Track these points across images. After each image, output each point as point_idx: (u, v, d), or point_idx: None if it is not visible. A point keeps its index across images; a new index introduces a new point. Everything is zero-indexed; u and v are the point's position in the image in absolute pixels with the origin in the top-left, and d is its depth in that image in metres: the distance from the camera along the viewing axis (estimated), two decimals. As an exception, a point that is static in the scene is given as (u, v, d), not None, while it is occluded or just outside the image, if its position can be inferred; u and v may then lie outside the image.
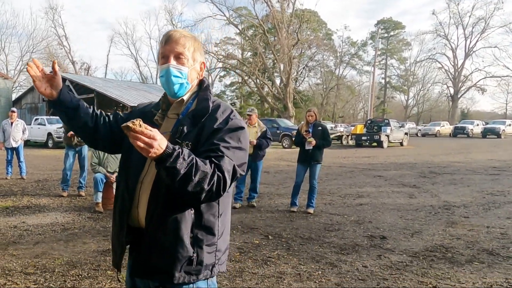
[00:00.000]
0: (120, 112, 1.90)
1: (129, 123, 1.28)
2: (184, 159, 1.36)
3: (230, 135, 1.55)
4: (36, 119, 22.81)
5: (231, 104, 36.90)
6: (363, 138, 25.39)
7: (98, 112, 1.74)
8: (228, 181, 1.47)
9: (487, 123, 43.43)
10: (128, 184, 1.62)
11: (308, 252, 4.53)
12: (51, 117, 26.36)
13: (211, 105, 1.62)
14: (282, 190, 8.75)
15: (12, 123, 10.19)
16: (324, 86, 58.52)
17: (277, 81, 41.40)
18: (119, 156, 6.03)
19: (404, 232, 5.42)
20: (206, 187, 1.41)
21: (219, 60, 44.19)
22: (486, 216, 6.38)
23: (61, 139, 21.64)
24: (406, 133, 27.43)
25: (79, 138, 7.85)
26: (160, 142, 1.31)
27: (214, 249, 1.59)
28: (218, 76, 58.61)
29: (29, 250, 4.52)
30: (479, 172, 12.08)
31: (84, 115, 1.69)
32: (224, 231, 1.65)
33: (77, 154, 8.05)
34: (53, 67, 1.58)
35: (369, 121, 27.29)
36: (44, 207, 6.86)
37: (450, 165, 14.19)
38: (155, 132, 1.31)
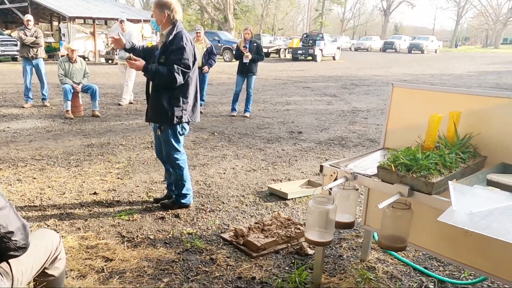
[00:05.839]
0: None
1: (127, 58, 3.15)
2: (151, 69, 3.23)
3: (177, 52, 3.26)
4: None
5: None
6: (299, 52, 26.90)
7: (141, 47, 3.63)
8: (177, 77, 3.23)
9: (414, 38, 46.31)
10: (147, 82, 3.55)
11: (243, 142, 6.22)
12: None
13: (171, 38, 3.29)
14: (224, 99, 10.26)
15: None
16: (265, -3, 57.70)
17: (217, -10, 40.37)
18: (83, 68, 8.03)
19: (316, 129, 7.27)
20: (163, 81, 3.26)
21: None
22: (380, 118, 8.40)
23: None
24: (338, 48, 29.26)
25: (35, 51, 8.58)
26: (141, 65, 3.23)
27: (180, 108, 3.38)
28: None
29: (28, 146, 5.77)
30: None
31: (138, 51, 3.56)
32: (187, 101, 3.40)
33: (34, 68, 8.75)
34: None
35: (305, 35, 28.65)
36: (19, 116, 7.85)
37: (370, 78, 16.34)
38: (140, 61, 3.26)
